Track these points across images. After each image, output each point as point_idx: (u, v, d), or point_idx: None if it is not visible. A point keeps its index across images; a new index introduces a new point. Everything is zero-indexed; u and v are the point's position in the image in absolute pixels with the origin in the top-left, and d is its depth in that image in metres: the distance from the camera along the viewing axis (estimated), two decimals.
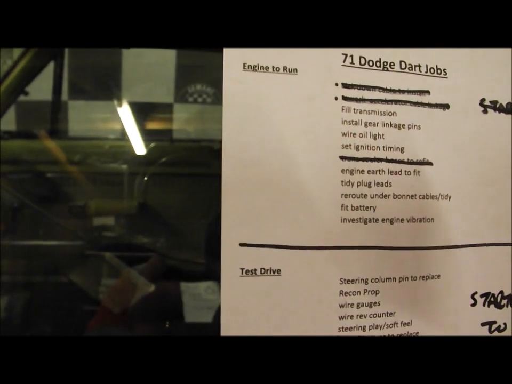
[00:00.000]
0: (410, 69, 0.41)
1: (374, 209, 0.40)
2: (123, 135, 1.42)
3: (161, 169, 1.35)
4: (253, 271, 0.37)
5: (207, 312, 1.03)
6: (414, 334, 0.42)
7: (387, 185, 0.40)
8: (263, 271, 0.37)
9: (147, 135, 1.43)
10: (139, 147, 1.38)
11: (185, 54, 1.65)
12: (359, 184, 0.39)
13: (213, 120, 1.59)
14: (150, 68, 1.63)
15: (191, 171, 1.33)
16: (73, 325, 1.06)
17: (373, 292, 0.40)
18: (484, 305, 0.44)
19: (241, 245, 0.37)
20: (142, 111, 1.47)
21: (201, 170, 1.32)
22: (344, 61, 0.40)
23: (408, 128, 0.41)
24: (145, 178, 1.36)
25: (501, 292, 0.44)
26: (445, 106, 0.42)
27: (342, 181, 0.39)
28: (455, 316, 0.43)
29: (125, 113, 1.44)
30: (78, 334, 0.96)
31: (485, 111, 0.43)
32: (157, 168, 1.36)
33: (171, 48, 1.45)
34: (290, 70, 0.38)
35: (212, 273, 1.07)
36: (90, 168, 1.33)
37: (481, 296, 0.44)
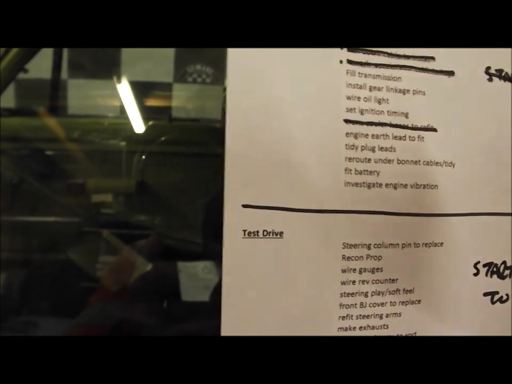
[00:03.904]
0: None
1: (378, 174, 0.40)
2: (122, 113, 1.42)
3: (160, 148, 1.35)
4: (256, 233, 0.37)
5: (204, 291, 1.03)
6: (416, 302, 0.42)
7: (391, 150, 0.40)
8: (265, 233, 0.37)
9: (146, 113, 1.42)
10: (138, 125, 1.38)
11: None
12: (363, 148, 0.39)
13: (212, 100, 1.58)
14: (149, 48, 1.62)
15: (190, 150, 1.33)
16: (70, 302, 1.06)
17: (375, 258, 0.40)
18: (486, 275, 0.44)
19: (244, 206, 0.37)
20: (141, 90, 1.46)
21: (200, 150, 1.31)
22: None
23: (413, 94, 0.41)
24: (143, 157, 1.35)
25: (504, 262, 0.44)
26: (450, 73, 0.42)
27: (346, 145, 0.39)
28: (457, 284, 0.43)
29: (124, 91, 1.43)
30: (76, 311, 0.96)
31: (490, 79, 0.43)
32: (155, 147, 1.35)
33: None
34: None
35: (209, 253, 1.07)
36: (89, 145, 1.32)
37: (484, 265, 0.43)
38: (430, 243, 0.41)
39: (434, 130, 0.41)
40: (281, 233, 0.37)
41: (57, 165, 1.30)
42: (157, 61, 1.66)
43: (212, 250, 1.11)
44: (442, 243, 0.42)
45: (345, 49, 0.39)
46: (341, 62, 0.39)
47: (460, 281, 0.43)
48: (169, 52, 1.71)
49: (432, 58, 0.41)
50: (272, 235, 0.37)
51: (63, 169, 1.30)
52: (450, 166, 0.42)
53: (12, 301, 1.11)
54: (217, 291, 0.94)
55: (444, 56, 0.42)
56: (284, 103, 0.38)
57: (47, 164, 1.31)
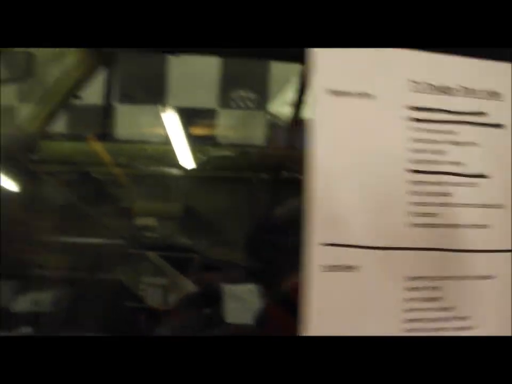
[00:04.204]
0: (469, 93, 0.47)
1: (438, 216, 0.45)
2: (168, 139, 1.46)
3: (205, 172, 1.39)
4: (332, 268, 0.42)
5: (247, 314, 1.05)
6: (472, 329, 0.46)
7: (449, 195, 0.45)
8: (341, 268, 0.42)
9: (191, 139, 1.46)
10: (183, 151, 1.42)
11: (229, 61, 1.70)
12: (425, 194, 0.45)
13: (254, 126, 1.63)
14: (195, 74, 1.67)
15: (234, 175, 1.37)
16: (116, 320, 1.09)
17: (435, 289, 0.45)
18: None
19: (322, 244, 0.42)
20: (186, 116, 1.51)
21: (244, 175, 1.36)
22: (412, 87, 0.45)
23: (467, 145, 0.46)
24: (190, 182, 1.40)
25: None
26: (500, 126, 0.47)
27: (411, 191, 0.44)
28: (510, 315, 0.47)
29: (170, 117, 1.48)
30: (122, 331, 0.99)
31: None
32: (200, 171, 1.40)
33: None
34: (367, 96, 0.44)
35: (253, 275, 1.10)
36: (135, 170, 1.37)
37: None
38: (485, 276, 0.46)
39: (486, 177, 0.46)
40: (354, 267, 0.43)
41: (105, 188, 1.34)
42: (202, 87, 1.71)
43: (255, 273, 1.13)
44: (495, 276, 0.46)
45: (409, 109, 0.45)
46: (407, 119, 0.45)
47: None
48: (214, 78, 1.76)
49: (484, 113, 0.47)
50: (347, 269, 0.43)
51: (111, 193, 1.34)
52: (501, 208, 0.46)
53: (58, 319, 1.14)
54: (262, 314, 0.96)
55: (494, 111, 0.47)
56: (359, 154, 0.43)
57: (95, 188, 1.35)
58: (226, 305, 1.07)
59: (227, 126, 1.72)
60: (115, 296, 1.14)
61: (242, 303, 1.08)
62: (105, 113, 1.54)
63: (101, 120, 1.55)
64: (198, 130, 1.60)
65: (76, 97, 1.33)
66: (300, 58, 0.44)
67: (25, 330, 1.02)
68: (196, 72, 1.68)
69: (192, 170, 1.42)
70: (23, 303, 1.11)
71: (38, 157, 1.30)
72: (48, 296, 1.14)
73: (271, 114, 1.52)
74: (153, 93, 1.65)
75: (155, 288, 1.15)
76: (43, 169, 1.29)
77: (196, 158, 1.43)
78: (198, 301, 1.08)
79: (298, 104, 1.37)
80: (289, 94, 1.52)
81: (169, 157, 1.42)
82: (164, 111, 1.47)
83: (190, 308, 1.06)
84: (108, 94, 1.53)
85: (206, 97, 1.75)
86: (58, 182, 1.31)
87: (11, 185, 1.16)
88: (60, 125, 1.40)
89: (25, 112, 1.35)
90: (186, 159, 1.41)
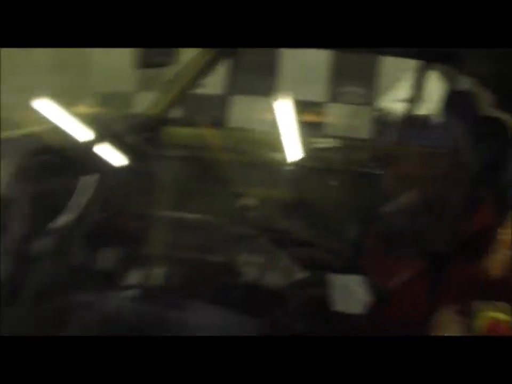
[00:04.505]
0: None
1: None
2: (278, 129, 1.51)
3: (312, 163, 1.43)
4: None
5: (354, 304, 1.07)
6: None
7: None
8: None
9: (300, 130, 1.51)
10: (292, 141, 1.47)
11: (339, 56, 1.73)
12: None
13: (362, 120, 1.65)
14: (305, 68, 1.72)
15: (341, 167, 1.40)
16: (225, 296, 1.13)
17: None
18: None
19: None
20: (296, 108, 1.55)
21: (351, 167, 1.39)
22: None
23: None
24: (297, 170, 1.45)
25: None
26: None
27: None
28: None
29: (281, 109, 1.52)
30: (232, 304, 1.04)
31: None
32: (308, 161, 1.44)
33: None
34: None
35: (358, 267, 1.13)
36: (246, 156, 1.43)
37: None
38: None
39: None
40: None
41: (217, 171, 1.40)
42: (312, 80, 1.75)
43: (359, 264, 1.17)
44: None
45: None
46: None
47: None
48: (324, 72, 1.80)
49: None
50: None
51: (223, 176, 1.40)
52: None
53: (173, 291, 1.19)
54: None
55: None
56: None
57: (209, 170, 1.41)
58: (333, 293, 1.10)
59: (335, 119, 1.75)
60: (223, 274, 1.20)
61: (348, 293, 1.10)
62: (221, 102, 1.61)
63: (217, 109, 1.61)
64: (307, 122, 1.64)
65: (198, 86, 1.40)
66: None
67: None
68: (307, 66, 1.73)
69: (300, 160, 1.47)
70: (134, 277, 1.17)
71: (159, 140, 1.39)
72: (162, 272, 1.18)
73: (381, 110, 1.54)
74: (266, 85, 1.70)
75: (271, 269, 1.17)
76: (163, 152, 1.37)
77: (304, 149, 1.47)
78: (307, 287, 1.12)
79: (412, 100, 1.39)
80: (401, 91, 1.52)
81: (278, 146, 1.47)
82: (275, 102, 1.52)
83: (301, 293, 1.10)
84: (225, 85, 1.59)
85: (316, 91, 1.79)
86: (175, 163, 1.38)
87: (134, 165, 1.23)
88: (179, 111, 1.48)
89: (147, 99, 1.43)
90: (294, 148, 1.46)
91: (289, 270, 1.16)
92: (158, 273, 1.18)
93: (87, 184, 1.09)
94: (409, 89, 1.40)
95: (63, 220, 1.04)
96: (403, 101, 1.47)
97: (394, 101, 1.51)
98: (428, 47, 0.50)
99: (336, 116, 1.79)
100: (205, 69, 1.37)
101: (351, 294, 1.10)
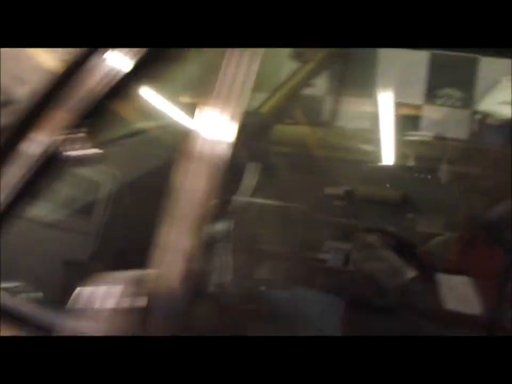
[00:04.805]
0: None
1: None
2: (378, 129, 1.55)
3: (409, 162, 1.47)
4: None
5: (463, 304, 1.09)
6: None
7: None
8: None
9: (398, 131, 1.55)
10: (389, 141, 1.51)
11: (437, 57, 1.75)
12: None
13: (460, 123, 1.68)
14: (404, 70, 1.75)
15: (440, 168, 1.43)
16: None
17: None
18: None
19: None
20: (395, 109, 1.58)
21: (449, 168, 1.41)
22: None
23: None
24: (393, 169, 1.48)
25: None
26: None
27: None
28: None
29: (381, 109, 1.56)
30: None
31: None
32: (405, 161, 1.48)
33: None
34: None
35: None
36: (345, 154, 1.47)
37: None
38: None
39: None
40: None
41: (323, 167, 1.43)
42: (409, 83, 1.78)
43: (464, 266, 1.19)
44: None
45: None
46: None
47: None
48: (422, 74, 1.82)
49: None
50: None
51: (327, 171, 1.43)
52: None
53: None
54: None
55: None
56: None
57: (314, 166, 1.44)
58: (443, 293, 1.12)
59: (433, 122, 1.78)
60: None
61: (455, 293, 1.12)
62: (325, 102, 1.66)
63: (323, 109, 1.66)
64: (405, 123, 1.67)
65: (308, 85, 1.44)
66: None
67: None
68: (405, 68, 1.75)
69: (395, 159, 1.50)
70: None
71: (270, 138, 1.43)
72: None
73: (480, 113, 1.55)
74: (368, 86, 1.72)
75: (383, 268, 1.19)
76: (273, 149, 1.41)
77: (401, 149, 1.51)
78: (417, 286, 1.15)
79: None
80: (502, 93, 1.53)
81: (376, 145, 1.51)
82: (375, 103, 1.56)
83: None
84: (331, 86, 1.63)
85: (414, 92, 1.81)
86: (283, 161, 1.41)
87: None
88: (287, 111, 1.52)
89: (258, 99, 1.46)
90: (392, 146, 1.50)
91: (400, 269, 1.18)
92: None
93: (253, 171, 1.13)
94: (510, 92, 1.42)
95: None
96: (503, 103, 1.48)
97: (494, 104, 1.52)
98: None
99: (434, 117, 1.81)
100: (317, 69, 1.41)
101: (459, 294, 1.12)
